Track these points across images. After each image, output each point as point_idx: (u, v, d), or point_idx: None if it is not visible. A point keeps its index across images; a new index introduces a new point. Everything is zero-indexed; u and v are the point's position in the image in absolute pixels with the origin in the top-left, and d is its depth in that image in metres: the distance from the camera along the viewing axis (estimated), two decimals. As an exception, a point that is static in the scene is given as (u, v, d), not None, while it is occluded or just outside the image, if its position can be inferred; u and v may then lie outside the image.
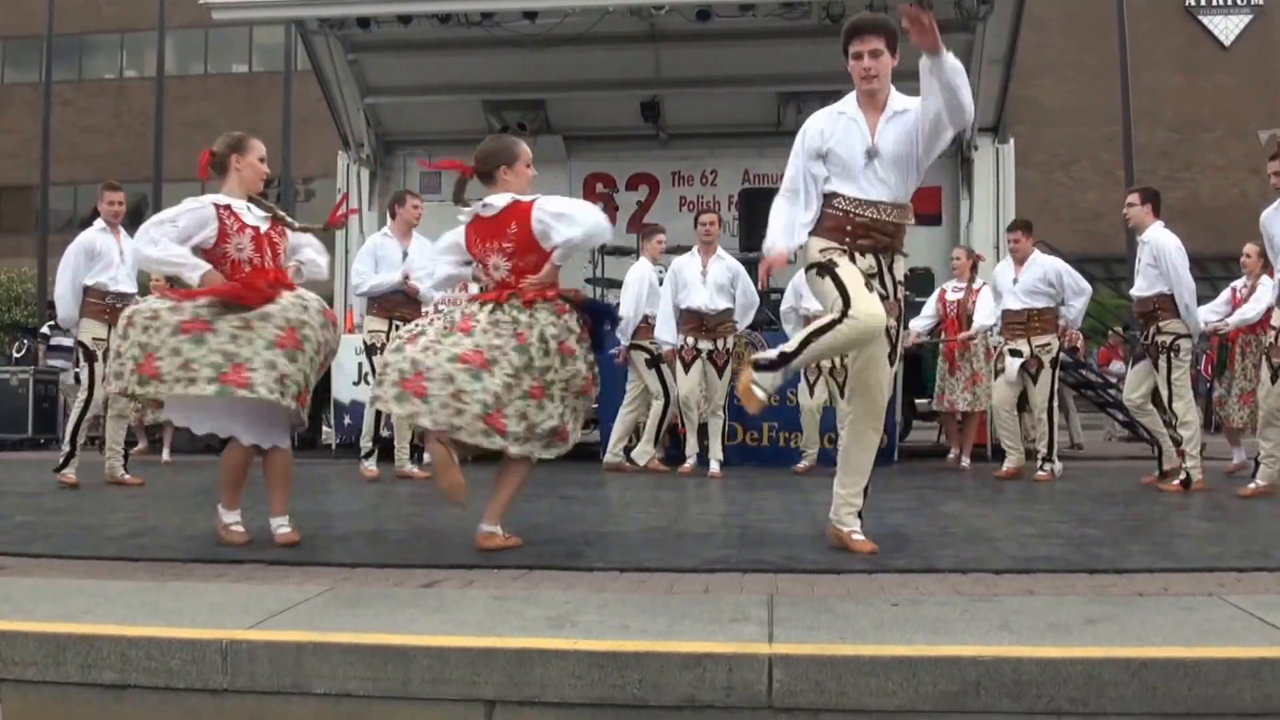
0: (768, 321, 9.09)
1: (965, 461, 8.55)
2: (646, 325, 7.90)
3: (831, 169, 3.96)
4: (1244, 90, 28.01)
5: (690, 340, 7.68)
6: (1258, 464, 6.17)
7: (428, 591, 3.35)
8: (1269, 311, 6.35)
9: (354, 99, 11.11)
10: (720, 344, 7.73)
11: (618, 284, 8.77)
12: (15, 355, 14.04)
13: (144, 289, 7.69)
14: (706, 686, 2.54)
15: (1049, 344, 7.42)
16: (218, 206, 4.17)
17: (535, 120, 11.32)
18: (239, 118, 20.98)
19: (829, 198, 3.96)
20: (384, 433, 7.72)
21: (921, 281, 9.59)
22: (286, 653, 2.68)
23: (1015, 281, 7.48)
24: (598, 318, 4.18)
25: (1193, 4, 29.67)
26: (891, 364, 4.01)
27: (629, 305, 7.86)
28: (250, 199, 4.30)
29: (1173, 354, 6.54)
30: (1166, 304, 6.56)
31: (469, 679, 2.60)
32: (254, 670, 2.67)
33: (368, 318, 7.39)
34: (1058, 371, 7.61)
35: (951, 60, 3.68)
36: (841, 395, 7.36)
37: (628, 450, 8.13)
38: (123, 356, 3.98)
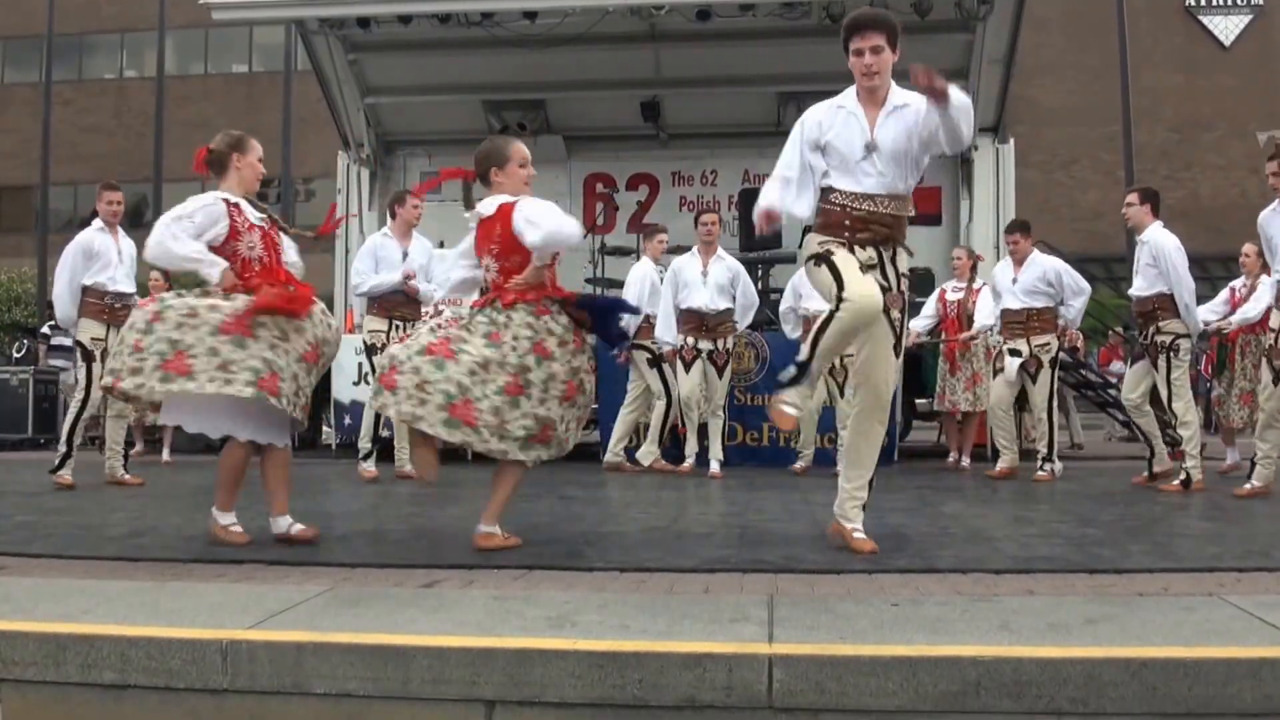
0: (768, 321, 9.09)
1: (965, 462, 8.56)
2: (648, 325, 7.90)
3: (829, 162, 3.97)
4: (1244, 90, 28.01)
5: (690, 340, 7.68)
6: (1254, 464, 6.16)
7: (428, 591, 3.35)
8: (1268, 312, 6.35)
9: (354, 99, 11.12)
10: (720, 344, 7.73)
11: (618, 284, 8.77)
12: (15, 355, 14.03)
13: (143, 289, 7.68)
14: (706, 686, 2.54)
15: (1048, 344, 7.42)
16: (227, 203, 4.18)
17: (535, 120, 11.33)
18: (239, 118, 20.95)
19: (826, 193, 3.98)
20: (384, 433, 7.72)
21: (921, 281, 9.58)
22: (286, 653, 2.68)
23: (1014, 281, 7.48)
24: (606, 314, 4.19)
25: (1193, 4, 29.68)
26: (897, 356, 4.02)
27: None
28: (246, 199, 4.31)
29: (1172, 354, 6.54)
30: (1166, 304, 6.56)
31: (469, 679, 2.60)
32: (254, 670, 2.67)
33: (368, 318, 7.39)
34: (1057, 371, 7.61)
35: (957, 101, 3.74)
36: (841, 395, 7.37)
37: (629, 451, 8.13)
38: (143, 352, 3.91)
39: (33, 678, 2.73)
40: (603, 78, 10.79)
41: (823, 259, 3.87)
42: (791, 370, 3.86)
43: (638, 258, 8.49)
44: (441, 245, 8.74)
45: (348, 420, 9.24)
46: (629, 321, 6.43)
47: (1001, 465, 7.61)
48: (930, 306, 8.77)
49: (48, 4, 19.82)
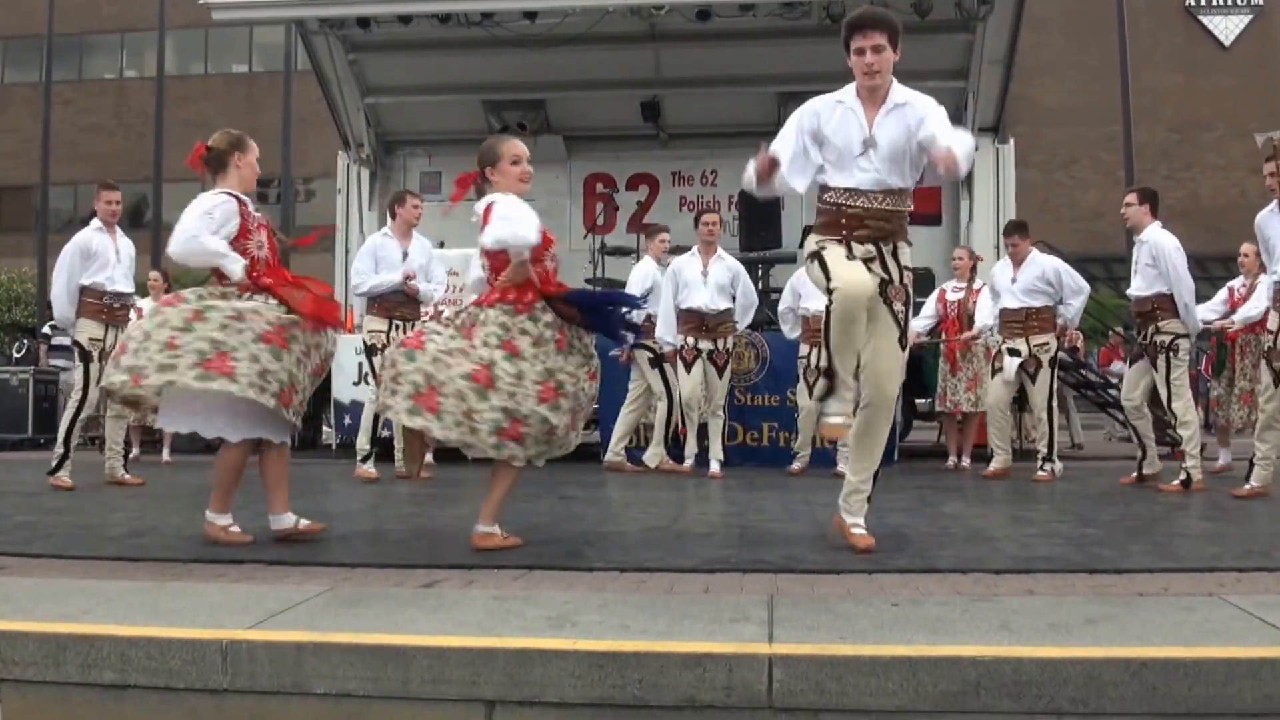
0: (767, 321, 9.09)
1: (965, 462, 8.56)
2: (649, 324, 7.90)
3: (825, 157, 3.99)
4: (1244, 90, 28.01)
5: (691, 340, 7.68)
6: (1253, 465, 6.16)
7: (428, 591, 3.35)
8: (1267, 312, 6.35)
9: (354, 99, 11.12)
10: (721, 344, 7.73)
11: (619, 284, 8.77)
12: (15, 355, 14.04)
13: (141, 289, 7.69)
14: (706, 686, 2.54)
15: (1047, 343, 7.42)
16: (238, 201, 4.19)
17: (535, 120, 11.33)
18: (239, 118, 20.91)
19: (821, 190, 4.01)
20: (383, 433, 7.72)
21: (922, 281, 9.57)
22: (286, 653, 2.67)
23: (1013, 280, 7.48)
24: (599, 309, 4.18)
25: (1193, 4, 29.68)
26: (902, 348, 4.03)
27: (631, 304, 7.86)
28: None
29: (1171, 354, 6.55)
30: (1165, 304, 6.56)
31: (469, 679, 2.60)
32: (254, 670, 2.67)
33: (367, 318, 7.39)
34: (1057, 371, 7.61)
35: (965, 164, 3.84)
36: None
37: (630, 451, 8.13)
38: (179, 349, 3.88)
39: (33, 678, 2.73)
40: (603, 78, 10.79)
41: (814, 255, 3.93)
42: (823, 384, 3.97)
43: (638, 258, 8.49)
44: (442, 245, 8.75)
45: (348, 420, 9.24)
46: (635, 315, 6.43)
47: (995, 465, 7.62)
48: (930, 306, 8.77)
49: (48, 4, 19.83)
